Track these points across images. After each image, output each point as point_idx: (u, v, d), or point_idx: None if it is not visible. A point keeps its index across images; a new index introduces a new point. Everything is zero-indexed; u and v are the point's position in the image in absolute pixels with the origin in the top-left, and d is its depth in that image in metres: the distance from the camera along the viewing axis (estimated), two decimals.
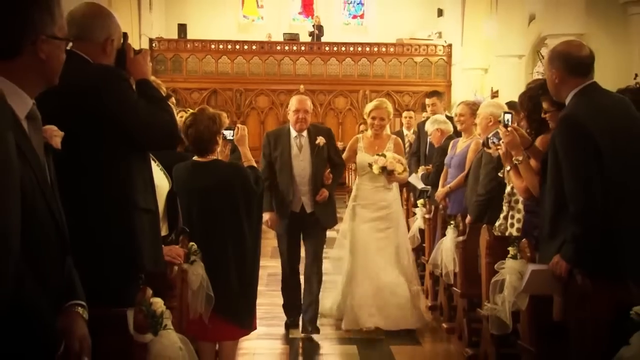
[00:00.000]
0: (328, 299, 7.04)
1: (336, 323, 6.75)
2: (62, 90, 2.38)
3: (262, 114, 20.55)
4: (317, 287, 6.57)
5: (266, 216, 6.17)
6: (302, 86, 20.18)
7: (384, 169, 6.49)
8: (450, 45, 20.44)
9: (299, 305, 6.59)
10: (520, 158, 4.27)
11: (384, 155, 6.54)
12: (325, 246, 6.88)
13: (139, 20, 19.13)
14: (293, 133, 6.45)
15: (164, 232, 4.10)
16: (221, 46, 20.86)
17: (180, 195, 4.50)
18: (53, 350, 2.05)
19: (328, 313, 6.96)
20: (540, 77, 9.25)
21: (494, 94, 15.59)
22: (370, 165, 6.59)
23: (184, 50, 20.54)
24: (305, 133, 6.42)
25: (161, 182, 4.09)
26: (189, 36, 21.10)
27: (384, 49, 20.96)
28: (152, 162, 4.12)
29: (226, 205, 4.79)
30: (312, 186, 6.35)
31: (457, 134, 7.59)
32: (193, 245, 4.44)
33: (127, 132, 3.00)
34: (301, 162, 6.41)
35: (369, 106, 7.03)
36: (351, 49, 21.02)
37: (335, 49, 21.04)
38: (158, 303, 3.11)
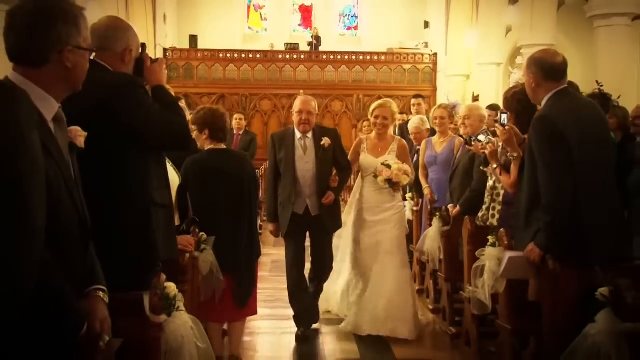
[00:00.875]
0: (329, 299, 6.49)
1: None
2: (85, 95, 2.38)
3: (266, 116, 20.49)
4: (315, 294, 6.02)
5: (270, 226, 5.96)
6: (301, 91, 20.05)
7: (389, 181, 5.80)
8: (435, 54, 20.38)
9: (311, 314, 5.98)
10: (515, 154, 4.27)
11: (389, 166, 5.79)
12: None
13: (154, 31, 19.02)
14: (298, 134, 5.80)
15: (176, 222, 4.12)
16: (228, 55, 20.74)
17: (196, 177, 4.70)
18: (77, 330, 2.05)
19: (325, 308, 6.46)
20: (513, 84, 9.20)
21: (475, 98, 15.57)
22: (375, 176, 5.89)
23: (194, 58, 20.48)
24: (310, 134, 5.78)
25: (172, 177, 4.09)
26: (200, 46, 21.04)
27: (375, 58, 20.88)
28: (166, 160, 4.14)
29: (236, 187, 4.86)
30: (317, 188, 5.71)
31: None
32: (203, 235, 4.44)
33: (143, 134, 2.98)
34: (306, 164, 5.75)
35: (373, 105, 6.24)
36: (346, 57, 20.94)
37: (331, 57, 20.98)
38: (171, 287, 3.12)
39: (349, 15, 23.82)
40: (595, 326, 2.95)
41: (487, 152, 4.68)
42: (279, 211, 5.85)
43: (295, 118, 5.80)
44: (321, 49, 21.36)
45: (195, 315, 3.42)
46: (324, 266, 5.96)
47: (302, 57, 21.14)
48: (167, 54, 20.07)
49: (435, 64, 20.36)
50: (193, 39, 21.25)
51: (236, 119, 11.12)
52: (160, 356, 3.01)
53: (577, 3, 14.19)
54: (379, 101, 6.28)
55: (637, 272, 3.48)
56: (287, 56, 21.11)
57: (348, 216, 6.34)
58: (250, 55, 20.90)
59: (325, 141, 5.68)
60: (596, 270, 3.13)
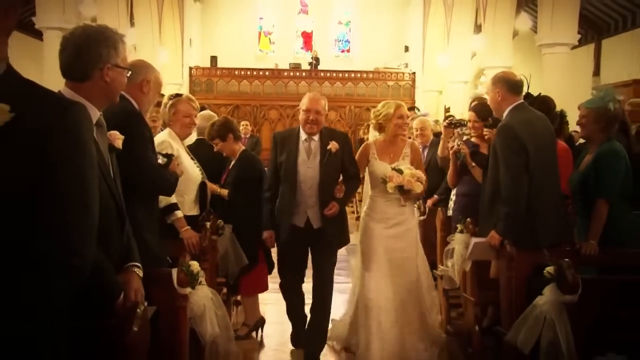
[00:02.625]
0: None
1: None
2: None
3: (273, 124, 20.39)
4: (323, 321, 4.44)
5: (265, 233, 4.42)
6: None
7: (400, 188, 4.27)
8: (414, 73, 20.32)
9: (304, 323, 4.56)
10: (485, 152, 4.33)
11: (401, 171, 4.29)
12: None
13: (182, 53, 19.05)
14: (303, 136, 4.32)
15: (195, 212, 4.14)
16: (242, 72, 20.63)
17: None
18: (115, 297, 2.11)
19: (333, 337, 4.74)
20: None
21: (447, 110, 15.58)
22: (384, 181, 4.32)
23: (214, 75, 20.42)
24: (316, 137, 4.29)
25: (195, 175, 4.11)
26: (219, 65, 20.95)
27: (364, 75, 20.78)
28: (191, 160, 4.15)
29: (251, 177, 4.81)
30: (320, 198, 4.21)
31: None
32: (220, 221, 4.45)
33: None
34: (309, 170, 4.26)
35: (391, 106, 4.51)
36: (340, 75, 20.84)
37: (328, 75, 20.90)
38: (195, 265, 3.15)
39: (342, 40, 23.67)
40: (542, 298, 2.96)
41: (466, 152, 4.69)
42: (277, 221, 4.40)
43: (301, 117, 4.33)
44: (319, 68, 21.26)
45: (214, 288, 3.46)
46: (325, 287, 4.39)
47: (304, 74, 21.03)
48: (192, 72, 20.12)
49: (414, 81, 20.30)
50: (213, 59, 21.18)
51: (243, 125, 11.34)
52: (186, 321, 3.04)
53: (529, 34, 14.24)
54: (394, 101, 4.67)
55: (576, 254, 3.53)
56: (291, 74, 21.01)
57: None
58: (261, 73, 20.82)
59: (333, 145, 4.23)
60: (544, 253, 3.15)
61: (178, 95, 4.26)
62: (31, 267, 1.51)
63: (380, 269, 4.39)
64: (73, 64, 2.19)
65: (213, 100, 19.39)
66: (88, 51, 2.18)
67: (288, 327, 4.77)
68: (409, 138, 4.88)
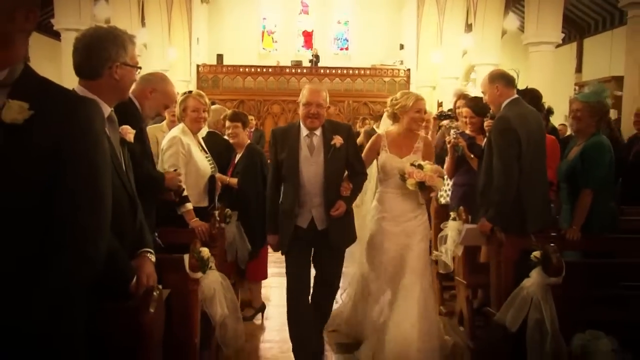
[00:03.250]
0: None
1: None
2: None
3: (276, 117, 20.37)
4: (322, 322, 4.04)
5: (270, 239, 3.94)
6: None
7: (421, 185, 3.80)
8: (409, 69, 20.27)
9: (313, 347, 3.88)
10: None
11: (421, 167, 3.82)
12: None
13: (190, 51, 18.97)
14: (304, 131, 3.75)
15: (204, 204, 4.12)
16: (247, 69, 20.57)
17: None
18: (128, 281, 2.11)
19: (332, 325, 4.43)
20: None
21: (439, 105, 15.54)
22: (402, 177, 3.85)
23: (221, 72, 20.37)
24: (318, 131, 3.73)
25: (205, 168, 4.10)
26: (225, 62, 20.93)
27: (362, 72, 20.74)
28: (202, 153, 4.13)
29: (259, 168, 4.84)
30: (325, 198, 3.69)
31: None
32: (228, 210, 4.41)
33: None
34: (312, 167, 3.71)
35: (411, 98, 4.00)
36: (339, 71, 20.80)
37: (328, 71, 20.85)
38: (205, 251, 3.15)
39: (341, 38, 23.59)
40: (529, 280, 2.97)
41: (464, 144, 4.66)
42: (280, 222, 3.87)
43: (301, 111, 3.73)
44: (319, 65, 21.19)
45: (224, 273, 3.48)
46: (330, 290, 3.96)
47: (305, 71, 20.96)
48: (200, 69, 20.07)
49: (408, 77, 20.24)
50: (219, 57, 21.12)
51: (249, 119, 11.15)
52: (198, 303, 3.06)
53: (516, 33, 14.20)
54: (413, 93, 4.14)
55: (560, 239, 3.55)
56: (293, 70, 20.94)
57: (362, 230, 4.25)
58: (264, 70, 20.75)
59: (337, 140, 3.69)
60: (531, 238, 3.16)
61: (190, 92, 4.24)
62: (49, 257, 1.52)
63: (392, 266, 3.95)
64: (84, 63, 2.19)
65: (219, 95, 19.36)
66: (98, 50, 2.18)
67: None
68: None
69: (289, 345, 3.93)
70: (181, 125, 4.09)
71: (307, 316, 3.82)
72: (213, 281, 3.19)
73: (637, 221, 4.10)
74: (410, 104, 3.98)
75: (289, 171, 3.74)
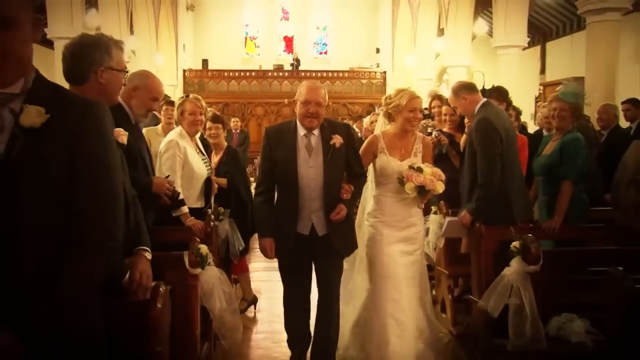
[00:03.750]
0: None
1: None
2: None
3: (259, 119, 20.30)
4: (333, 334, 3.44)
5: (264, 242, 3.36)
6: (286, 100, 20.08)
7: (420, 189, 3.40)
8: (385, 72, 20.36)
9: (308, 333, 3.52)
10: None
11: (421, 170, 3.42)
12: None
13: (176, 57, 18.82)
14: (301, 130, 3.31)
15: (200, 205, 4.08)
16: (231, 74, 20.49)
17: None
18: (120, 277, 2.10)
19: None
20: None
21: None
22: (400, 181, 3.44)
23: (206, 77, 20.25)
24: (317, 131, 3.32)
25: (201, 171, 4.06)
26: (210, 67, 20.81)
27: (340, 74, 20.74)
28: (199, 156, 4.09)
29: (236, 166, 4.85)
30: (325, 201, 3.25)
31: None
32: (220, 208, 4.37)
33: None
34: (311, 169, 3.27)
35: (404, 96, 3.58)
36: (319, 74, 20.72)
37: (308, 74, 20.74)
38: (204, 248, 3.14)
39: (320, 43, 23.57)
40: (509, 269, 3.01)
41: (446, 142, 4.66)
42: (277, 229, 3.36)
43: (299, 110, 3.30)
44: (300, 68, 21.18)
45: (221, 268, 3.47)
46: (333, 296, 3.39)
47: (286, 74, 20.92)
48: (186, 74, 19.94)
49: (384, 79, 20.33)
50: (205, 62, 20.99)
51: (234, 121, 11.21)
52: (197, 297, 3.04)
53: (485, 37, 14.36)
54: (407, 91, 3.67)
55: (538, 230, 3.60)
56: (275, 74, 20.90)
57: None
58: (247, 74, 20.67)
59: (337, 139, 3.26)
60: (510, 230, 3.21)
61: (187, 96, 4.21)
62: (72, 250, 1.53)
63: (393, 274, 3.50)
64: (71, 69, 2.19)
65: (205, 99, 18.67)
66: (83, 56, 2.19)
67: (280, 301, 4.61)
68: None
69: (281, 335, 3.91)
70: (179, 128, 4.05)
71: (306, 317, 3.49)
72: (211, 276, 3.16)
73: (605, 211, 4.18)
74: (404, 103, 3.57)
75: (285, 174, 3.29)
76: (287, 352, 3.66)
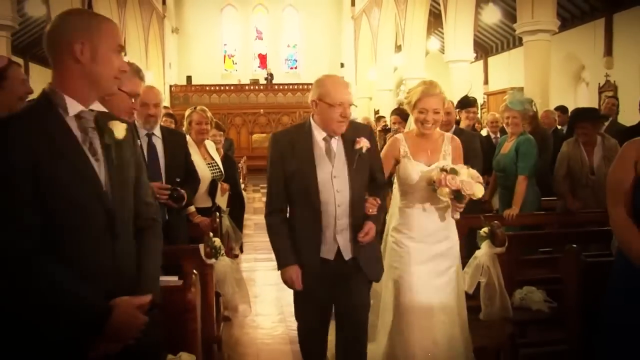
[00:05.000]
0: None
1: None
2: None
3: (238, 128, 20.18)
4: None
5: (289, 272, 2.41)
6: (262, 110, 20.11)
7: (457, 194, 2.59)
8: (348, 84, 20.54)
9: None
10: None
11: (455, 171, 2.59)
12: None
13: (163, 75, 18.51)
14: (318, 135, 2.41)
15: (208, 205, 4.05)
16: (212, 88, 20.35)
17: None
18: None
19: None
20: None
21: (376, 112, 15.83)
22: (432, 185, 2.61)
23: (190, 91, 20.05)
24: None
25: (205, 174, 4.00)
26: (193, 82, 20.62)
27: (310, 87, 20.31)
28: (204, 161, 4.08)
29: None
30: (352, 219, 2.41)
31: None
32: (221, 207, 4.45)
33: None
34: (335, 181, 2.40)
35: (417, 92, 2.73)
36: (291, 87, 20.80)
37: (281, 87, 20.84)
38: (217, 241, 3.18)
39: (291, 59, 23.59)
40: (480, 251, 3.07)
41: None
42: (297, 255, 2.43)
43: (327, 113, 2.34)
44: (274, 82, 21.15)
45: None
46: (361, 329, 2.49)
47: (261, 87, 20.88)
48: (172, 89, 19.71)
49: None
50: (189, 78, 20.77)
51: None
52: (213, 284, 3.07)
53: (438, 53, 14.64)
54: (426, 86, 2.75)
55: (500, 218, 3.72)
56: (251, 87, 20.83)
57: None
58: (227, 88, 20.57)
59: (363, 143, 2.39)
60: (480, 217, 3.30)
61: (194, 108, 4.23)
62: (151, 230, 1.69)
63: (420, 304, 2.69)
64: None
65: (189, 111, 19.15)
66: None
67: (279, 289, 4.48)
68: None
69: (278, 317, 3.97)
70: (187, 137, 4.06)
71: (324, 351, 2.58)
72: (224, 265, 3.21)
73: (554, 201, 4.37)
74: (414, 101, 2.73)
75: (304, 188, 2.37)
76: (285, 332, 3.69)
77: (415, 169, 2.77)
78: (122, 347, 1.44)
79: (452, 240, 2.84)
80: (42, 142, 1.38)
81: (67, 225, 1.41)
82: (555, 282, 2.92)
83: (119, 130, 1.53)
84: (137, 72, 2.28)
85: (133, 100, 2.34)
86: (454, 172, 2.58)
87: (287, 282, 2.44)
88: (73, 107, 1.45)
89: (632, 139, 2.12)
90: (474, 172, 2.66)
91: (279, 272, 2.44)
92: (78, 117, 1.47)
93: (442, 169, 2.62)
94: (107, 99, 2.01)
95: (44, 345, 1.37)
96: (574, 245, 2.38)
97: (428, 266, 2.75)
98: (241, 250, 4.81)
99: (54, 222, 1.39)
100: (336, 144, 2.44)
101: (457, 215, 2.74)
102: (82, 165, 1.44)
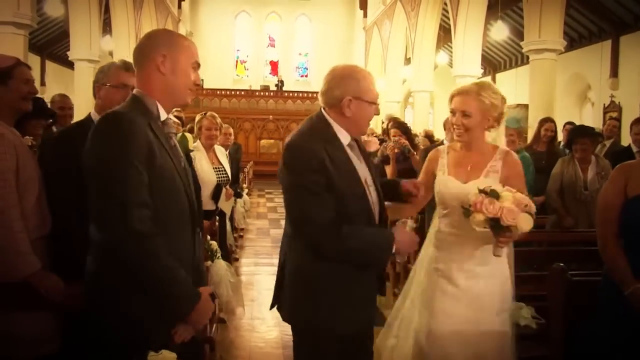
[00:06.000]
0: None
1: None
2: None
3: (247, 133, 20.30)
4: None
5: (402, 236, 1.84)
6: (271, 116, 20.21)
7: (494, 224, 1.88)
8: None
9: None
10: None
11: (496, 195, 1.89)
12: None
13: None
14: (344, 138, 1.87)
15: (211, 207, 4.10)
16: (223, 92, 20.44)
17: None
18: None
19: None
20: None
21: (383, 122, 15.88)
22: (466, 210, 1.94)
23: (201, 94, 20.06)
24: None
25: (209, 178, 4.11)
26: (205, 86, 20.72)
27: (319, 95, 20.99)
28: (211, 165, 4.15)
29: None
30: None
31: None
32: (225, 211, 4.50)
33: None
34: (372, 192, 1.90)
35: (451, 93, 2.24)
36: (300, 94, 20.87)
37: (291, 94, 20.92)
38: (214, 244, 3.24)
39: (302, 67, 23.72)
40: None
41: (406, 143, 4.56)
42: (339, 289, 1.81)
43: (363, 113, 1.89)
44: (284, 89, 21.25)
45: (227, 261, 3.56)
46: None
47: (272, 94, 20.93)
48: None
49: None
50: (201, 81, 20.98)
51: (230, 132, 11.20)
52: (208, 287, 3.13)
53: (446, 67, 14.70)
54: (465, 86, 2.24)
55: None
56: (262, 93, 20.89)
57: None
58: (237, 93, 20.63)
59: (374, 146, 1.96)
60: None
61: (205, 114, 4.32)
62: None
63: (453, 349, 2.12)
64: None
65: (199, 115, 19.28)
66: None
67: (268, 292, 4.69)
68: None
69: (271, 322, 4.00)
70: (197, 142, 4.15)
71: None
72: (220, 268, 3.26)
73: (544, 218, 4.39)
74: (449, 100, 2.23)
75: (356, 205, 1.84)
76: (279, 336, 3.72)
77: (446, 185, 2.17)
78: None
79: (497, 278, 2.13)
80: (150, 136, 1.53)
81: (165, 214, 1.52)
82: (545, 299, 2.95)
83: (190, 140, 1.66)
84: (123, 66, 2.21)
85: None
86: (494, 194, 1.90)
87: (406, 245, 1.85)
88: (162, 112, 1.64)
89: (622, 162, 2.18)
90: (522, 197, 1.93)
91: (395, 249, 1.81)
92: (164, 122, 1.64)
93: (481, 191, 1.93)
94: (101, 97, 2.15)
95: (140, 327, 1.45)
96: (561, 264, 2.42)
97: (458, 308, 2.11)
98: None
99: (157, 213, 1.48)
100: (356, 149, 1.97)
101: (500, 253, 1.96)
102: (173, 163, 1.59)
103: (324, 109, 1.94)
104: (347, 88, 1.89)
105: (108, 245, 1.42)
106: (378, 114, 1.98)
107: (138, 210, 1.41)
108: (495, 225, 1.89)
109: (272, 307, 2.00)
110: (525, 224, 1.90)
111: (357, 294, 1.83)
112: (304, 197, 1.76)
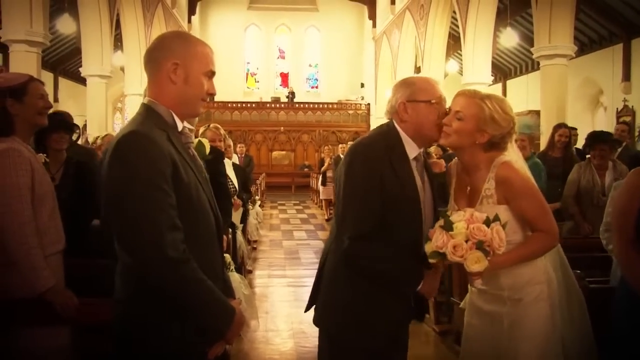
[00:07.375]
0: None
1: None
2: None
3: (259, 144, 20.47)
4: None
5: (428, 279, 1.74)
6: (282, 127, 20.32)
7: (439, 256, 1.60)
8: (369, 104, 20.60)
9: None
10: None
11: (450, 226, 1.60)
12: None
13: None
14: (412, 151, 1.77)
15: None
16: (234, 105, 20.63)
17: None
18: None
19: None
20: None
21: None
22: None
23: (212, 107, 20.34)
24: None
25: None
26: (216, 99, 20.86)
27: (329, 106, 20.96)
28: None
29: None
30: None
31: None
32: (235, 223, 4.49)
33: None
34: (427, 208, 1.80)
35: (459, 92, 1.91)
36: (311, 105, 21.00)
37: (301, 105, 21.04)
38: (228, 257, 3.23)
39: (312, 79, 23.78)
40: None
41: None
42: (383, 300, 1.74)
43: (424, 115, 1.80)
44: (295, 100, 21.36)
45: (240, 273, 3.55)
46: None
47: (282, 105, 21.08)
48: None
49: (369, 110, 20.55)
50: (215, 91, 21.12)
51: (239, 147, 11.33)
52: None
53: (456, 75, 14.71)
54: (468, 89, 1.97)
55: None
56: (273, 105, 21.05)
57: None
58: (248, 105, 20.82)
59: (440, 167, 2.08)
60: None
61: (208, 125, 4.35)
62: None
63: None
64: None
65: None
66: None
67: (291, 305, 4.64)
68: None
69: (290, 332, 3.98)
70: None
71: None
72: (233, 281, 3.18)
73: (560, 224, 4.35)
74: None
75: (406, 219, 1.74)
76: (294, 348, 3.70)
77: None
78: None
79: (532, 305, 1.83)
80: (172, 151, 1.44)
81: (196, 232, 1.44)
82: None
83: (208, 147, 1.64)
84: None
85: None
86: (448, 227, 1.63)
87: (427, 288, 1.76)
88: (179, 122, 1.53)
89: (637, 167, 2.15)
90: (481, 229, 1.61)
91: (421, 284, 1.72)
92: (181, 132, 1.54)
93: (444, 217, 1.68)
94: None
95: (180, 345, 1.40)
96: (578, 271, 2.38)
97: (485, 335, 1.91)
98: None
99: (188, 230, 1.41)
100: (420, 164, 1.84)
101: (477, 284, 1.71)
102: (196, 176, 1.51)
103: (392, 119, 1.87)
104: (400, 94, 1.85)
105: (142, 273, 1.35)
106: (446, 112, 1.83)
107: (170, 235, 1.33)
108: (442, 258, 1.63)
109: (307, 309, 1.92)
110: (473, 263, 1.60)
111: (389, 310, 1.78)
112: (353, 202, 1.73)
